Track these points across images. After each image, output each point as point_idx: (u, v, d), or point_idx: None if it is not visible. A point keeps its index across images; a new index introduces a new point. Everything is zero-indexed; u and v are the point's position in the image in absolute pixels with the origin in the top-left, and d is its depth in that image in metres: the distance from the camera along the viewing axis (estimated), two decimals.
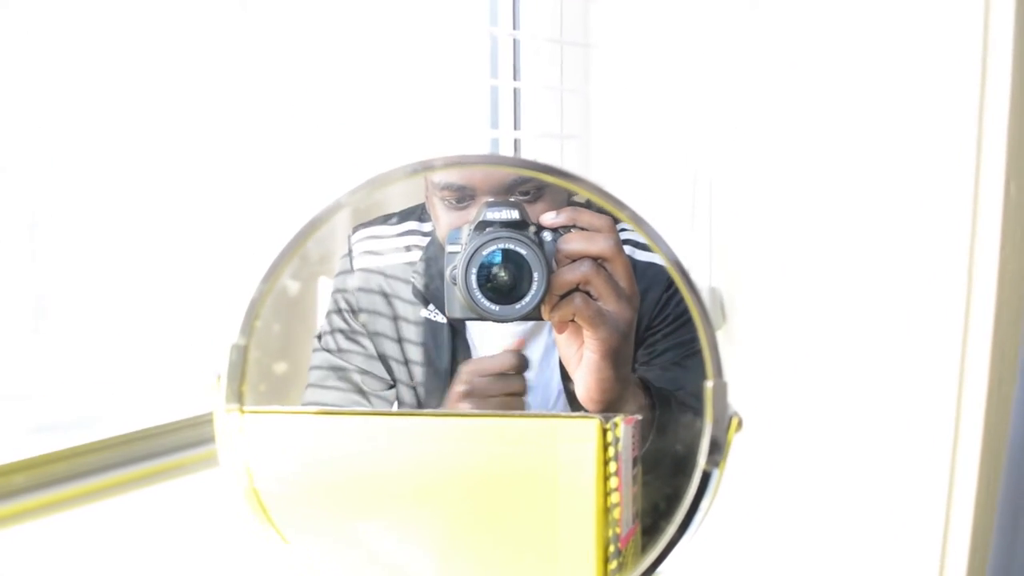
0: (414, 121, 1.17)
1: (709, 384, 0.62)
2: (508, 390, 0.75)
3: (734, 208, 1.24)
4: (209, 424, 0.64)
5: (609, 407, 0.71)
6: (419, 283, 0.77)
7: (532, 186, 0.72)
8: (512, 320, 0.68)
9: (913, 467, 1.06)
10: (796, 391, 1.20)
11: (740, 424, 0.63)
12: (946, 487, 0.99)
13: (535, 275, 0.66)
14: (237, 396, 0.63)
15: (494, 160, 0.70)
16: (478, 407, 0.75)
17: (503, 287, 0.67)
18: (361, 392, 0.79)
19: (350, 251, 0.78)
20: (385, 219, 0.78)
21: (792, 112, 1.17)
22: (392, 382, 0.79)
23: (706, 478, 0.63)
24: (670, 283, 0.70)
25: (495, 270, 0.67)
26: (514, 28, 1.31)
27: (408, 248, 0.78)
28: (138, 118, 0.96)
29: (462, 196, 0.73)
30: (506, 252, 0.67)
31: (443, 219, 0.75)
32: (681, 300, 0.71)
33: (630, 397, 0.71)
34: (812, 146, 1.15)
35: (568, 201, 0.72)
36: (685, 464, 0.65)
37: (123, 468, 0.88)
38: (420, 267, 0.78)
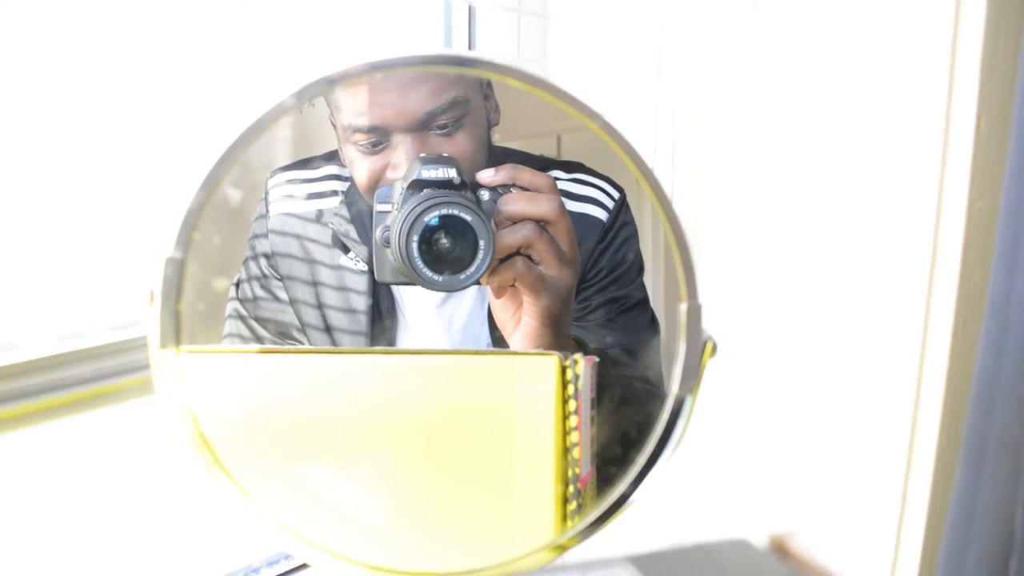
0: (363, 40, 1.14)
1: (684, 307, 0.60)
2: None
3: (697, 138, 1.22)
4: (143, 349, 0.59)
5: None
6: (339, 229, 0.73)
7: (450, 118, 0.69)
8: (456, 290, 0.65)
9: (879, 401, 1.06)
10: (761, 324, 1.19)
11: (715, 349, 0.61)
12: (910, 423, 0.99)
13: (481, 243, 0.62)
14: (173, 316, 0.58)
15: (447, 60, 0.65)
16: None
17: (446, 256, 0.63)
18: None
19: (267, 195, 0.74)
20: (305, 163, 0.74)
21: (761, 43, 1.15)
22: (297, 337, 0.75)
23: (679, 404, 0.60)
24: (604, 235, 0.71)
25: (438, 237, 0.63)
26: None
27: (328, 193, 0.74)
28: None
29: (376, 139, 0.69)
30: (449, 218, 0.62)
31: (359, 166, 0.71)
32: (616, 252, 0.72)
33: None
34: (779, 77, 1.13)
35: (488, 140, 0.70)
36: (656, 392, 0.64)
37: (50, 393, 0.85)
38: (341, 212, 0.74)
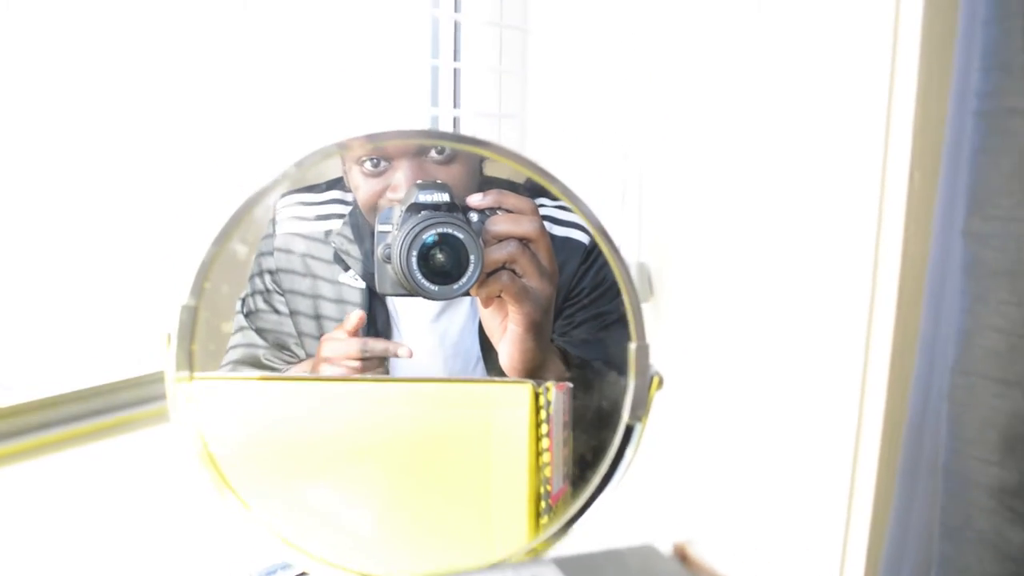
0: (359, 99, 1.19)
1: (633, 346, 0.66)
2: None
3: (663, 187, 1.28)
4: (159, 383, 0.65)
5: (530, 375, 0.73)
6: (341, 247, 0.79)
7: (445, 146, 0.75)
8: (450, 298, 0.71)
9: (822, 432, 1.11)
10: (717, 361, 1.24)
11: (661, 382, 0.67)
12: (852, 449, 1.05)
13: (472, 257, 0.69)
14: (187, 355, 0.65)
15: (433, 135, 0.73)
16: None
17: (441, 268, 0.69)
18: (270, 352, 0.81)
19: (275, 217, 0.79)
20: (312, 187, 0.80)
21: (718, 97, 1.21)
22: (293, 351, 0.80)
23: (629, 431, 0.67)
24: (586, 256, 0.76)
25: (434, 252, 0.69)
26: (455, 11, 1.34)
27: (331, 216, 0.80)
28: (94, 79, 0.97)
29: (377, 161, 0.76)
30: (445, 236, 0.69)
31: (363, 187, 0.77)
32: (597, 272, 0.77)
33: (550, 365, 0.74)
34: (736, 131, 1.19)
35: (480, 168, 0.76)
36: (610, 419, 0.68)
37: (76, 423, 0.90)
38: (343, 232, 0.79)
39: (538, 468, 0.68)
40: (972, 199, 0.77)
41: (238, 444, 0.66)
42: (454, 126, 1.29)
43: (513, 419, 0.68)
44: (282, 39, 1.10)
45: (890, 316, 1.01)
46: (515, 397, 0.69)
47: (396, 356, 0.77)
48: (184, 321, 0.65)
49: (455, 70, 1.35)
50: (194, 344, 0.66)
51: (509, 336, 0.73)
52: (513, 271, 0.71)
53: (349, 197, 0.79)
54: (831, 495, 1.09)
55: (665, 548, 0.56)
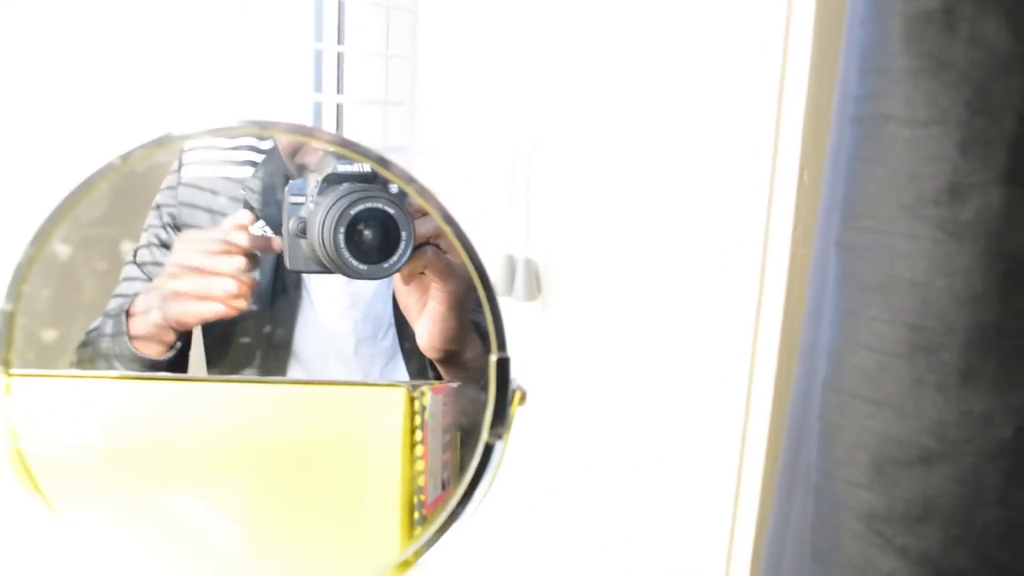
0: (236, 81, 1.14)
1: (493, 359, 0.63)
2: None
3: (552, 182, 1.25)
4: None
5: (449, 355, 0.71)
6: (252, 200, 0.75)
7: None
8: (380, 278, 0.67)
9: (707, 444, 1.10)
10: (602, 363, 1.22)
11: (523, 397, 0.63)
12: (736, 463, 1.03)
13: (403, 234, 0.66)
14: (3, 362, 0.61)
15: (264, 125, 0.67)
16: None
17: (370, 246, 0.66)
18: None
19: (180, 163, 0.76)
20: (224, 130, 0.76)
21: (610, 93, 1.18)
22: None
23: (488, 450, 0.63)
24: None
25: (361, 228, 0.66)
26: None
27: (242, 163, 0.76)
28: None
29: None
30: (374, 211, 0.66)
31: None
32: None
33: (468, 344, 0.72)
34: (627, 128, 1.17)
35: None
36: (468, 437, 0.65)
37: None
38: (254, 184, 0.76)
39: (412, 477, 0.65)
40: (847, 209, 0.74)
41: (58, 444, 0.62)
42: (338, 114, 1.24)
43: (385, 425, 0.65)
44: (151, 19, 1.03)
45: (776, 323, 1.00)
46: (388, 401, 0.65)
47: (271, 251, 0.72)
48: None
49: (339, 54, 1.29)
50: (10, 351, 0.61)
51: (430, 314, 0.70)
52: (438, 246, 0.68)
53: (264, 144, 0.75)
54: (716, 507, 1.08)
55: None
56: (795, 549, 0.85)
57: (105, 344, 0.76)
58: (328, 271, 0.67)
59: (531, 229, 1.25)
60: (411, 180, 0.62)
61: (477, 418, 0.64)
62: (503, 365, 0.63)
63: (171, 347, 0.76)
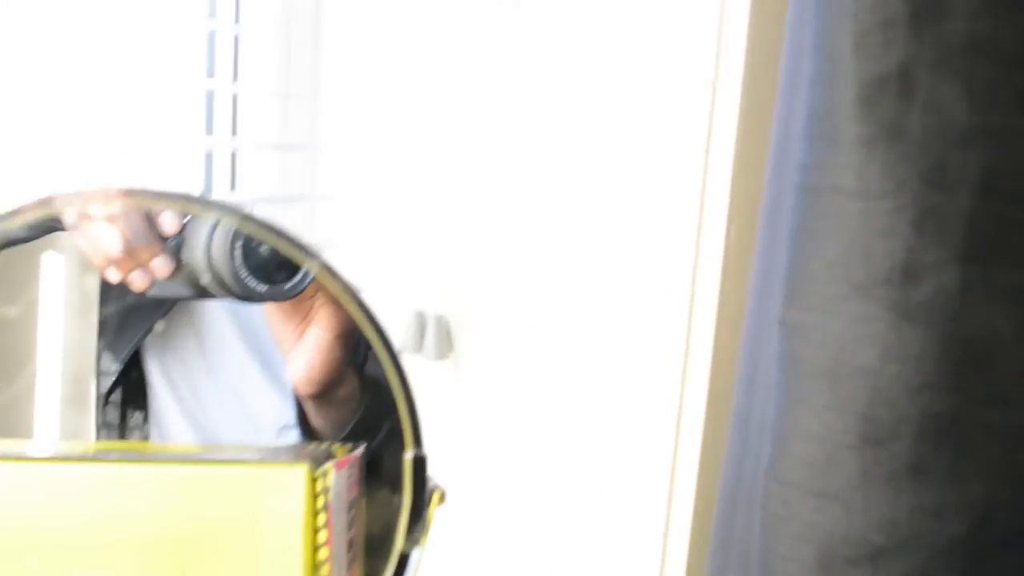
0: (121, 122, 1.06)
1: (408, 456, 0.59)
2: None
3: (464, 235, 1.20)
4: None
5: (326, 390, 0.66)
6: None
7: None
8: (281, 300, 0.60)
9: (628, 515, 1.05)
10: (521, 422, 1.17)
11: (443, 498, 0.60)
12: (660, 539, 0.99)
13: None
14: None
15: (142, 195, 0.59)
16: None
17: (266, 264, 0.58)
18: None
19: None
20: None
21: (530, 142, 1.14)
22: None
23: (404, 560, 0.59)
24: None
25: (256, 244, 0.58)
26: (235, 22, 1.20)
27: None
28: None
29: None
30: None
31: None
32: None
33: (346, 380, 0.67)
34: (544, 178, 1.12)
35: None
36: (381, 546, 0.61)
37: None
38: None
39: (314, 566, 0.59)
40: (790, 285, 0.70)
41: None
42: (232, 158, 1.16)
43: (285, 509, 0.59)
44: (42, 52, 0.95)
45: (703, 392, 0.96)
46: (287, 482, 0.59)
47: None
48: None
49: (234, 94, 1.21)
50: None
51: (312, 343, 0.64)
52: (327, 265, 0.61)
53: None
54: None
55: None
56: None
57: None
58: (200, 296, 0.60)
59: (441, 282, 1.20)
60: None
61: (390, 523, 0.60)
62: (419, 464, 0.59)
63: None
